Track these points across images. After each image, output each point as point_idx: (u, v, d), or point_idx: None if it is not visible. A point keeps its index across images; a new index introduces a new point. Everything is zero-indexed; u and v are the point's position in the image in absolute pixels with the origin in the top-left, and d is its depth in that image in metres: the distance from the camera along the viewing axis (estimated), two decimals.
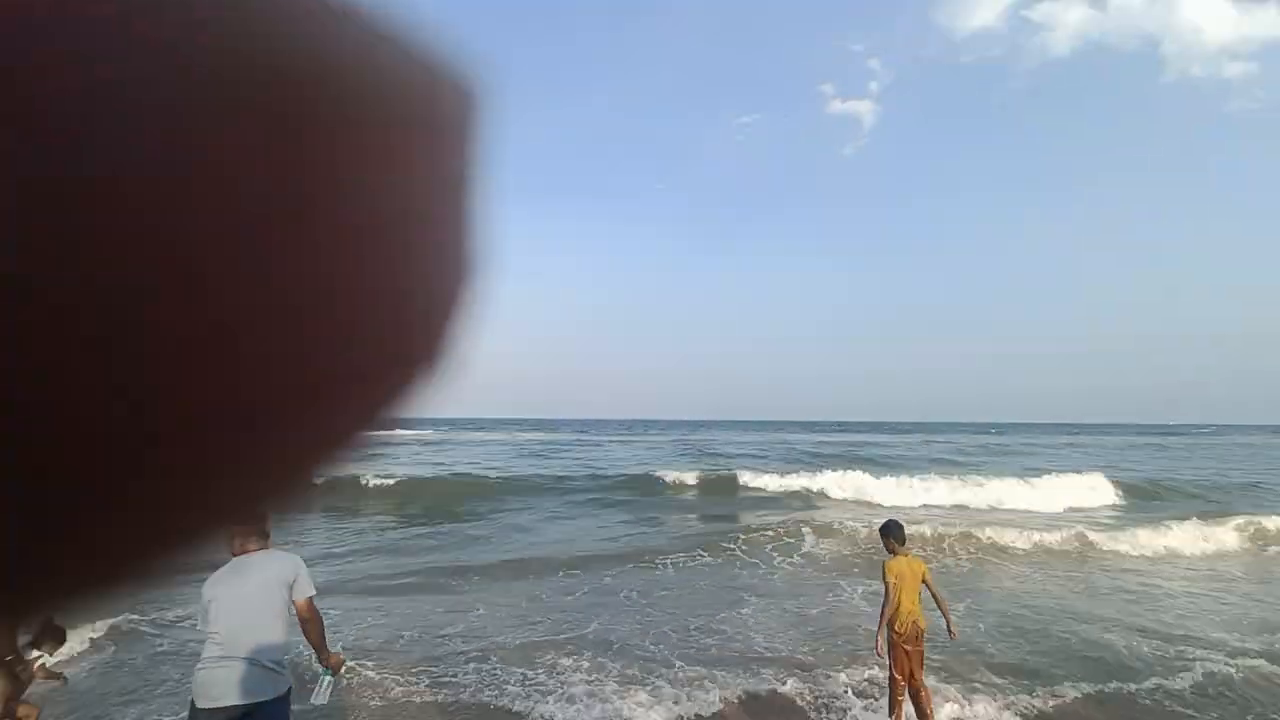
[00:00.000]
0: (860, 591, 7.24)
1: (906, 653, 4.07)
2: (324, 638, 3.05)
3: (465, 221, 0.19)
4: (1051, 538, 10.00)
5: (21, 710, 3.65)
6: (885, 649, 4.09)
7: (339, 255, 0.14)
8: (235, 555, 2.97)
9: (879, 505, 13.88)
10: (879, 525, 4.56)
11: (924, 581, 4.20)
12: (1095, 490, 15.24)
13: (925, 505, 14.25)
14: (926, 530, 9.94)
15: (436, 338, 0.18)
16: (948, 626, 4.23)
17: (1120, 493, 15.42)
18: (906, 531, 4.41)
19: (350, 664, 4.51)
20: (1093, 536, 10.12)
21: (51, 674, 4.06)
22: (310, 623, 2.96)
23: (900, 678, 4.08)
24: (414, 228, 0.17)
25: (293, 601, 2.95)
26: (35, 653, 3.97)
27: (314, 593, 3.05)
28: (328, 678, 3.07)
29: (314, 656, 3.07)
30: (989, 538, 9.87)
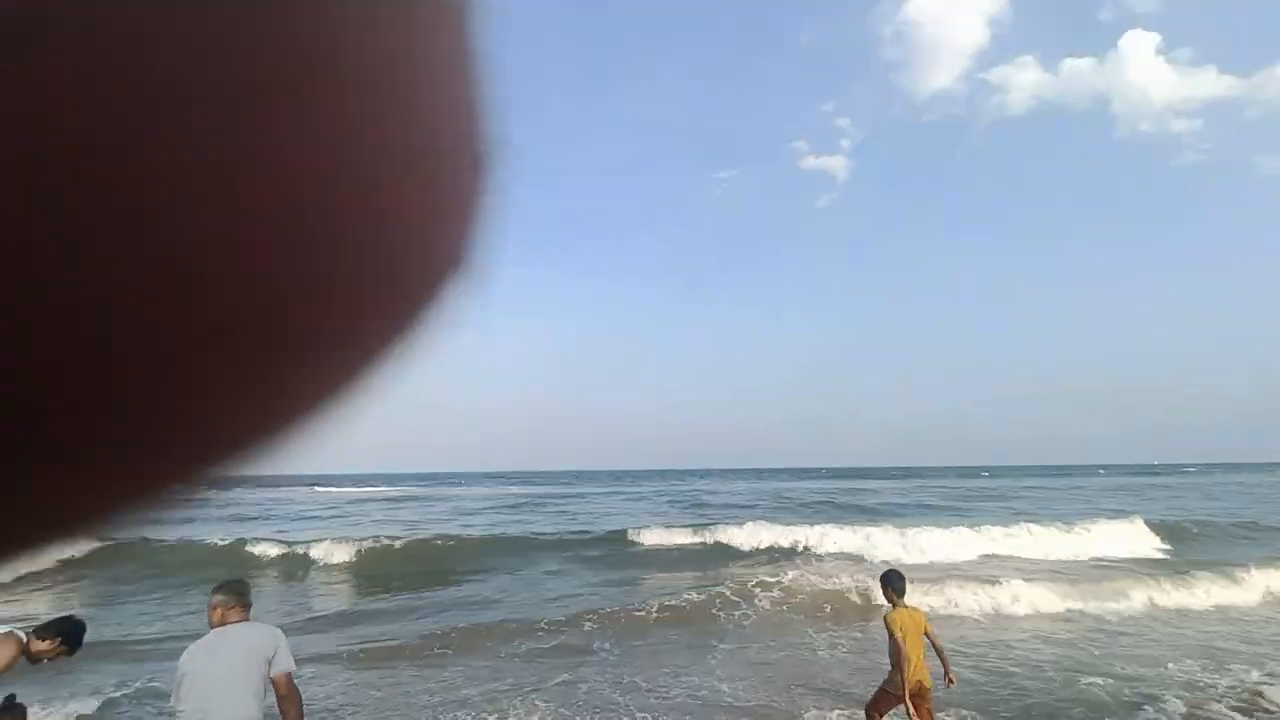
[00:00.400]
0: (825, 639, 7.44)
1: (918, 709, 4.06)
2: (301, 715, 2.97)
3: (475, 101, 0.18)
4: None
5: None
6: (909, 705, 3.97)
7: (351, 156, 0.14)
8: (214, 627, 2.97)
9: (870, 559, 13.11)
10: (880, 575, 4.53)
11: (925, 633, 4.15)
12: (1136, 534, 14.11)
13: (983, 555, 13.28)
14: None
15: (459, 231, 0.18)
16: (945, 672, 4.20)
17: (1163, 537, 14.40)
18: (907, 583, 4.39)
19: None
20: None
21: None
22: (288, 699, 2.90)
23: None
24: (424, 103, 0.16)
25: (270, 677, 2.86)
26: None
27: (293, 668, 2.97)
28: None
29: None
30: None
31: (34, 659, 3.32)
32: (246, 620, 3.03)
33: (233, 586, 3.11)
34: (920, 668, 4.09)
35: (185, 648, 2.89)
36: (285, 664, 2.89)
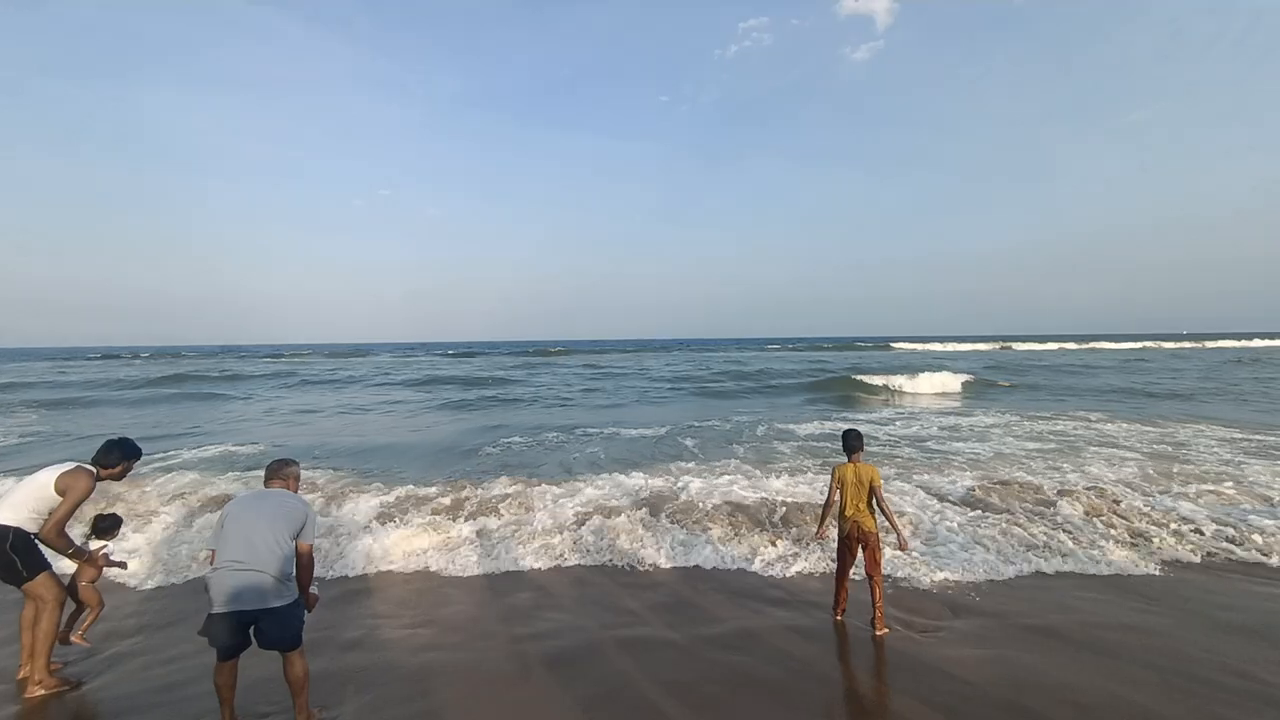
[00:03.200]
0: None
1: (850, 549, 4.40)
2: (310, 580, 3.33)
3: None
4: None
5: (85, 593, 4.26)
6: (831, 539, 4.41)
7: None
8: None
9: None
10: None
11: (872, 489, 4.32)
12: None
13: None
14: None
15: None
16: (898, 539, 4.32)
17: None
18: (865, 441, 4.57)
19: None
20: None
21: (114, 563, 4.52)
22: (304, 567, 3.28)
23: (844, 571, 4.45)
24: None
25: (295, 542, 3.24)
26: (97, 543, 4.48)
27: (315, 540, 3.37)
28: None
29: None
30: None
31: (115, 479, 3.99)
32: (289, 489, 3.50)
33: (286, 462, 3.63)
34: (859, 514, 4.35)
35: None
36: (310, 536, 3.33)
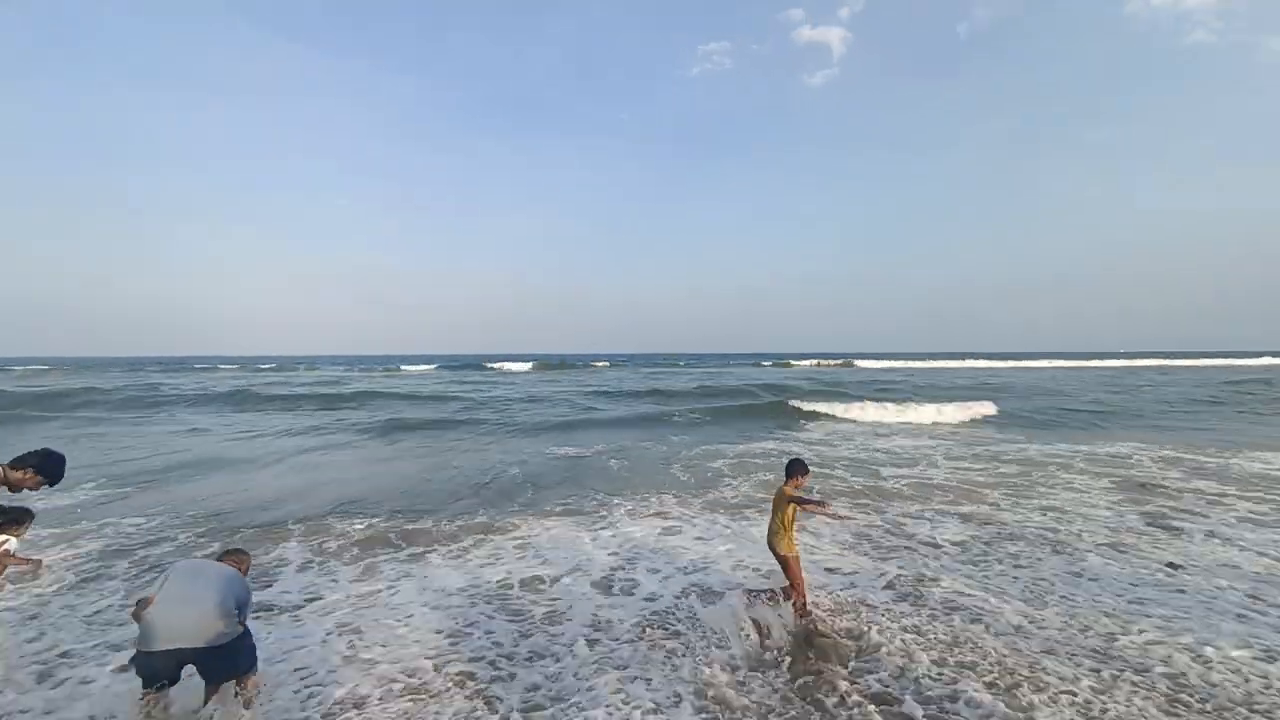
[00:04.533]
0: None
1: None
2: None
3: None
4: None
5: None
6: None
7: None
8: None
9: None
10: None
11: (789, 501, 4.41)
12: None
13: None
14: None
15: None
16: (827, 513, 4.37)
17: None
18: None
19: None
20: None
21: (22, 559, 3.91)
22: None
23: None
24: None
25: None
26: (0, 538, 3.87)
27: (245, 617, 3.39)
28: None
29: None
30: None
31: (13, 488, 3.44)
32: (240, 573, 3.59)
33: (242, 551, 3.86)
34: (771, 535, 4.48)
35: None
36: (245, 616, 3.42)
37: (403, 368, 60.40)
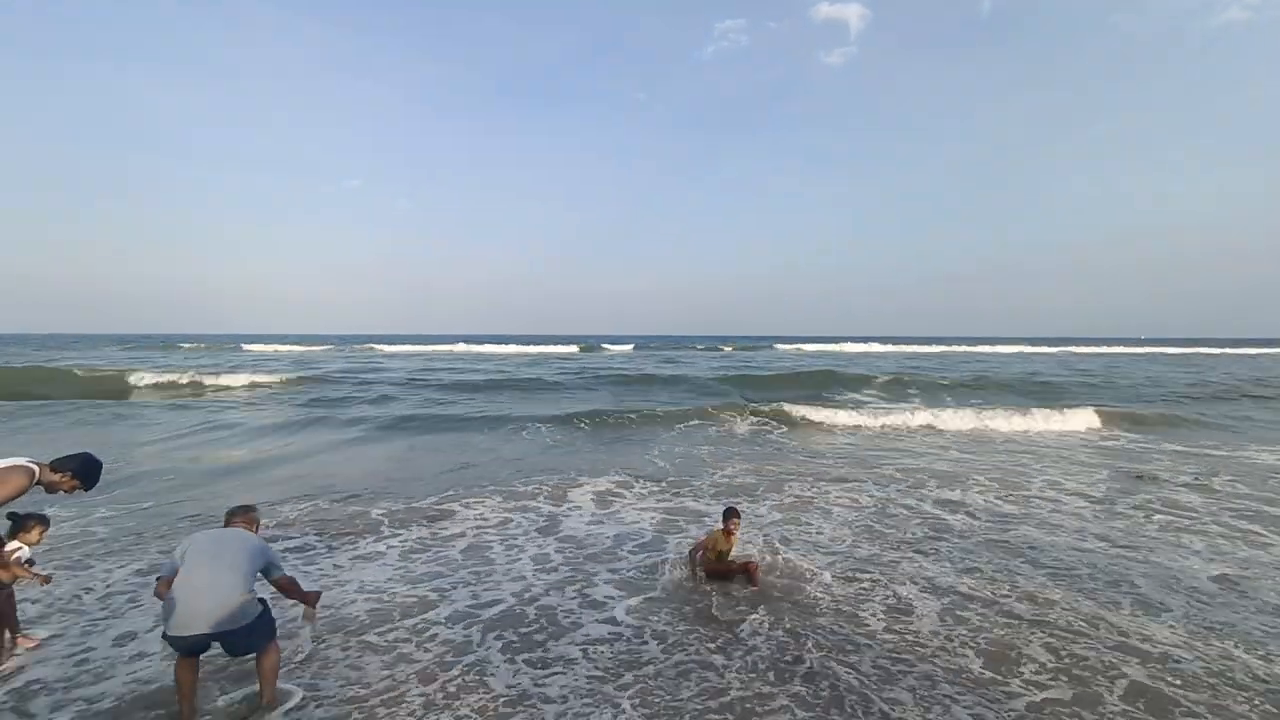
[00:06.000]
0: None
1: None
2: (300, 594, 3.60)
3: None
4: None
5: None
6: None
7: None
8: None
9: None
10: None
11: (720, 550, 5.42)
12: None
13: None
14: None
15: None
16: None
17: None
18: None
19: None
20: None
21: (30, 570, 3.92)
22: (287, 589, 3.53)
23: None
24: None
25: (265, 578, 3.46)
26: (12, 544, 3.91)
27: (285, 570, 3.57)
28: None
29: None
30: None
31: (50, 489, 3.44)
32: (251, 532, 3.68)
33: (248, 506, 3.88)
34: (718, 563, 5.47)
35: None
36: (278, 570, 3.56)
37: (604, 347, 64.55)
